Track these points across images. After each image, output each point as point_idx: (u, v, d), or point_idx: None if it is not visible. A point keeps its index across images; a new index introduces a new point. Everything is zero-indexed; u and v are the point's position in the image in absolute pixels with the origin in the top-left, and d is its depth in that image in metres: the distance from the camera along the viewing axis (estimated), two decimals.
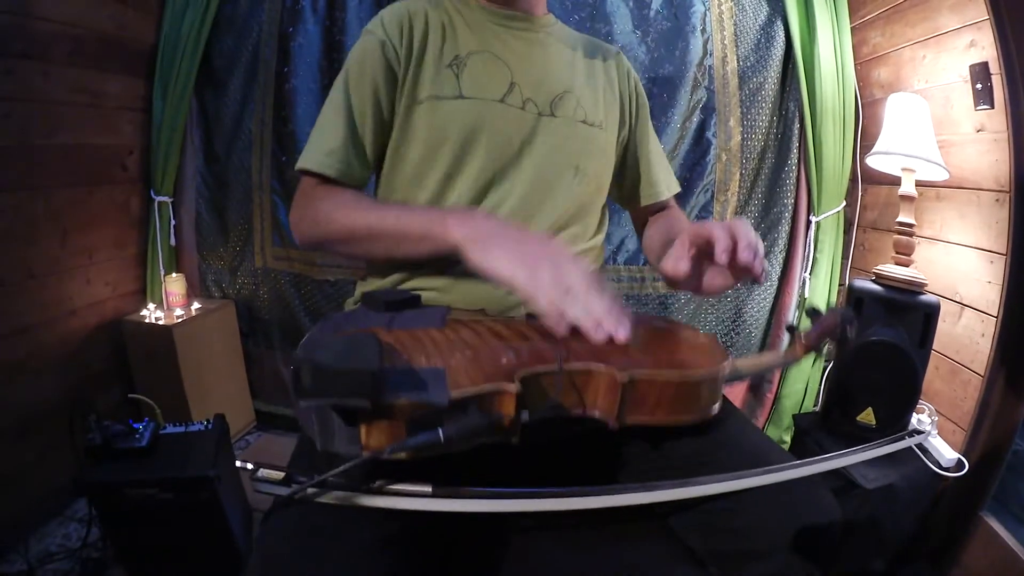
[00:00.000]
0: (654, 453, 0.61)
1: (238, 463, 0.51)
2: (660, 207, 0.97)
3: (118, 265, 1.59)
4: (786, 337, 1.71)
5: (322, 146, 0.76)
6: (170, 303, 1.54)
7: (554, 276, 0.56)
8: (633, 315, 0.62)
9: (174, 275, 1.55)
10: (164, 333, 1.46)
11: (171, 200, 1.63)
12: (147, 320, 1.51)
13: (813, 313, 0.80)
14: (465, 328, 0.59)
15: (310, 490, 0.45)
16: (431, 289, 0.73)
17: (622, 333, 0.54)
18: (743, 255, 0.56)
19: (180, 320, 1.50)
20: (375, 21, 0.79)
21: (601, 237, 0.88)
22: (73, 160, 1.44)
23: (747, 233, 0.57)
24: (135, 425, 1.20)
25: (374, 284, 0.79)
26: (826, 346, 0.78)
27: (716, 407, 0.57)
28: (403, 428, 0.43)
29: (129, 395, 1.41)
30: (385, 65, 0.76)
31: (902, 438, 0.72)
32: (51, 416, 1.35)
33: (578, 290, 0.56)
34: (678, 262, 0.61)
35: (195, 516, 1.12)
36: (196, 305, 1.57)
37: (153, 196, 1.62)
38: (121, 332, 1.54)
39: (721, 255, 0.57)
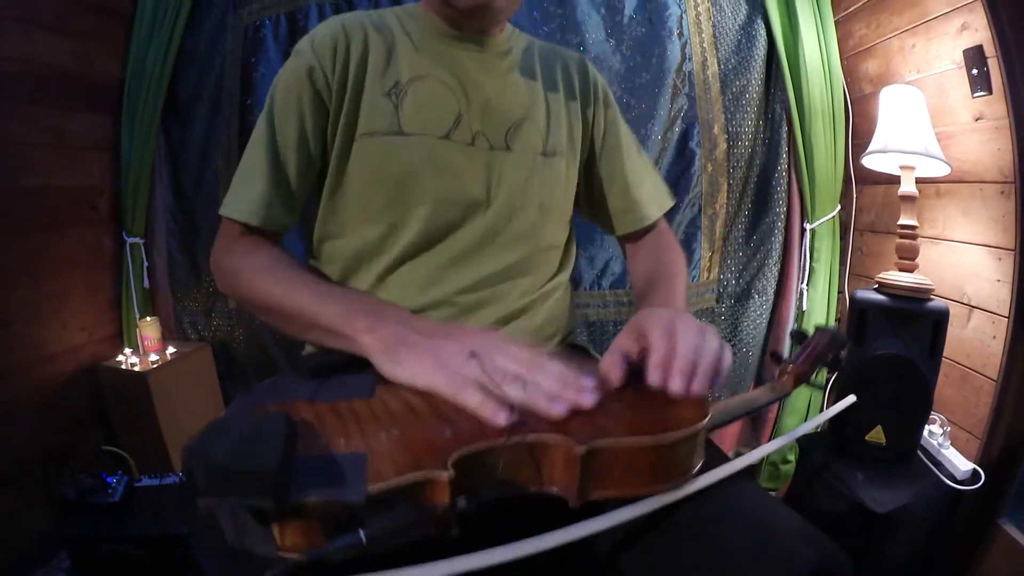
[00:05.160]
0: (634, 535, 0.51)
1: None
2: (646, 230, 0.85)
3: (93, 309, 1.56)
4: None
5: (240, 189, 0.67)
6: (145, 348, 1.49)
7: (483, 367, 0.49)
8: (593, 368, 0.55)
9: (148, 319, 1.50)
10: (139, 380, 1.41)
11: (143, 241, 1.59)
12: (122, 366, 1.46)
13: (799, 336, 0.73)
14: (395, 398, 0.52)
15: None
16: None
17: (586, 399, 0.47)
18: (673, 383, 0.47)
19: (155, 365, 1.45)
20: (305, 40, 0.69)
21: (567, 273, 0.80)
22: (42, 202, 1.41)
23: (688, 349, 0.48)
24: (108, 479, 1.19)
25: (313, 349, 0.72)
26: (817, 373, 0.71)
27: (699, 465, 0.50)
28: (319, 527, 0.38)
29: (103, 447, 1.38)
30: (313, 95, 0.67)
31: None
32: (31, 465, 1.32)
33: (516, 370, 0.49)
34: (611, 370, 0.53)
35: (170, 573, 1.10)
36: (171, 349, 1.53)
37: (125, 237, 1.57)
38: (98, 378, 1.50)
39: (653, 373, 0.48)
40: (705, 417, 0.48)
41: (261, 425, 0.41)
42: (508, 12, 0.72)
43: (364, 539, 0.36)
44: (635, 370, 0.54)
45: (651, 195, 0.83)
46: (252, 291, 0.65)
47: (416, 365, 0.52)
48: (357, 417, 0.48)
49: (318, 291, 0.62)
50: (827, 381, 1.42)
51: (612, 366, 0.53)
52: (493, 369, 0.50)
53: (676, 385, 0.47)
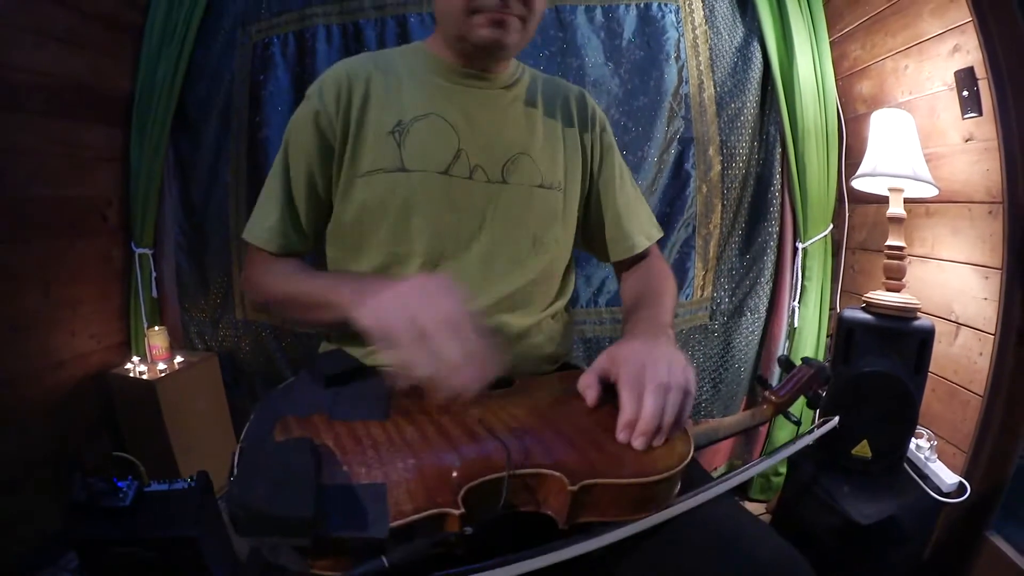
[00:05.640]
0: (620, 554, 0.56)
1: None
2: (638, 258, 0.89)
3: (102, 317, 1.59)
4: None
5: (261, 219, 0.75)
6: (153, 356, 1.53)
7: (411, 321, 0.53)
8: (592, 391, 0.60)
9: (156, 328, 1.54)
10: (147, 388, 1.45)
11: (151, 252, 1.62)
12: (131, 374, 1.50)
13: (786, 364, 0.76)
14: (408, 423, 0.57)
15: None
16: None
17: (471, 386, 0.54)
18: (636, 443, 0.54)
19: (163, 374, 1.49)
20: (315, 85, 0.75)
21: (565, 300, 0.84)
22: (53, 212, 1.44)
23: (651, 411, 0.54)
24: (119, 484, 1.22)
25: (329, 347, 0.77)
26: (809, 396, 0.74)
27: (675, 492, 0.55)
28: (347, 554, 0.44)
29: (113, 453, 1.40)
30: (318, 138, 0.72)
31: None
32: (39, 468, 1.36)
33: (432, 334, 0.53)
34: (587, 390, 0.60)
35: (179, 574, 1.14)
36: (179, 358, 1.56)
37: (134, 248, 1.61)
38: (107, 385, 1.54)
39: (620, 433, 0.55)
40: (687, 458, 0.53)
41: (290, 461, 0.47)
42: (519, 48, 0.75)
43: (387, 564, 0.42)
44: (612, 389, 0.60)
45: (640, 226, 0.87)
46: (271, 292, 0.74)
47: (373, 306, 0.57)
48: (375, 444, 0.53)
49: (318, 276, 0.74)
50: (813, 420, 1.45)
51: (588, 387, 0.60)
52: (415, 325, 0.54)
53: (638, 445, 0.54)
